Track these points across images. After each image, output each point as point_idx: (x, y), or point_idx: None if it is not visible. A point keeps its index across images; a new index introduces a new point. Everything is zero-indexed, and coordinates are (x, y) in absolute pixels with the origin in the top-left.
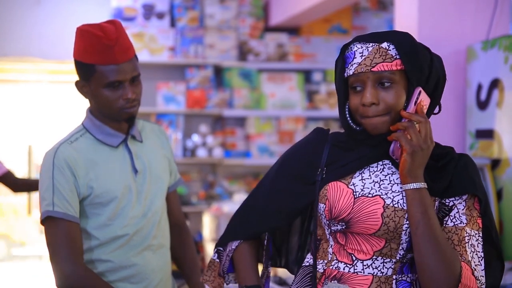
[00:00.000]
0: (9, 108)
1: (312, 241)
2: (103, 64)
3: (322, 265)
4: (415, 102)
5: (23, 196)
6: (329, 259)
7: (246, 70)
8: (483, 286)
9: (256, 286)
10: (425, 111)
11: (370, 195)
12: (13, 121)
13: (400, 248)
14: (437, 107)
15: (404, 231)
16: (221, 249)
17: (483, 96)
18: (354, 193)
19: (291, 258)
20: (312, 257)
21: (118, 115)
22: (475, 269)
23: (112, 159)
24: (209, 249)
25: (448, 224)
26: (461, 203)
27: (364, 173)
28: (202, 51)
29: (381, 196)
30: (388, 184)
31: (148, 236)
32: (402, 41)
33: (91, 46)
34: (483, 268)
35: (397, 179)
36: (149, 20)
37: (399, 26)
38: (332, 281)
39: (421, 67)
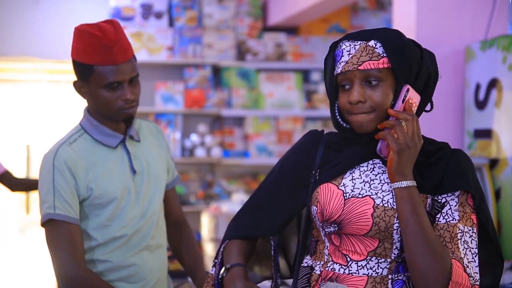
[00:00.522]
0: (7, 107)
1: (300, 243)
2: (102, 65)
3: (319, 267)
4: (403, 100)
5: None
6: (325, 260)
7: (245, 70)
8: (477, 283)
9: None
10: (414, 109)
11: (360, 196)
12: (12, 120)
13: (394, 247)
14: (429, 104)
15: (396, 230)
16: (216, 260)
17: (481, 96)
18: (345, 194)
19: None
20: (310, 258)
21: (117, 116)
22: (467, 266)
23: (110, 160)
24: (208, 248)
25: (440, 221)
26: (453, 199)
27: (354, 173)
28: (200, 51)
29: (371, 196)
30: (378, 183)
31: (147, 237)
32: (389, 39)
33: (90, 47)
34: (477, 264)
35: (387, 178)
36: (147, 19)
37: (397, 26)
38: (330, 282)
39: (409, 65)
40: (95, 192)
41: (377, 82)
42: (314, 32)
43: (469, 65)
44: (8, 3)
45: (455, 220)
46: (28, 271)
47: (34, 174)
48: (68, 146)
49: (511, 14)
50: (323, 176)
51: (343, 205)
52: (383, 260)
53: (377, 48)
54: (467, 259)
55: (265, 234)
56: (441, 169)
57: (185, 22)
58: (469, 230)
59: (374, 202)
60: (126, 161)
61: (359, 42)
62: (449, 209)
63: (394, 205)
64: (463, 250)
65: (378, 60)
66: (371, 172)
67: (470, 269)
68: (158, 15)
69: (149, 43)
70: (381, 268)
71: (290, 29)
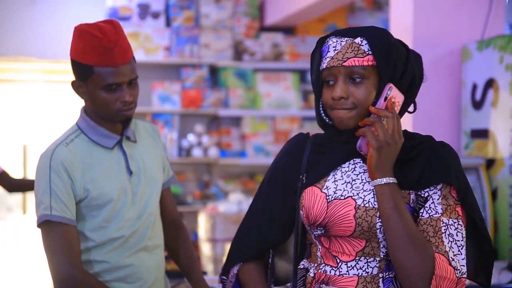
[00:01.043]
0: (4, 107)
1: (295, 247)
2: (102, 66)
3: (313, 269)
4: (385, 98)
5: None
6: (318, 262)
7: (242, 70)
8: (464, 275)
9: None
10: (397, 108)
11: (342, 197)
12: (8, 120)
13: (382, 246)
14: (413, 105)
15: (379, 229)
16: (225, 278)
17: (478, 96)
18: (327, 197)
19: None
20: (306, 260)
21: (115, 117)
22: (453, 259)
23: (107, 161)
24: (205, 248)
25: (423, 216)
26: (436, 193)
27: (336, 174)
28: (197, 51)
29: (353, 197)
30: (360, 183)
31: (144, 237)
32: (376, 37)
33: (90, 47)
34: (463, 257)
35: (368, 177)
36: (144, 19)
37: (394, 26)
38: (321, 285)
39: (394, 64)
40: (91, 194)
41: (361, 79)
42: (311, 32)
43: (466, 65)
44: (5, 3)
45: (438, 213)
46: (27, 272)
47: (31, 175)
48: (65, 146)
49: (508, 14)
50: (309, 180)
51: (326, 208)
52: (372, 259)
53: (363, 45)
54: (453, 252)
55: (273, 246)
56: (421, 164)
57: (182, 22)
58: (454, 222)
59: (356, 203)
60: (123, 162)
61: (345, 38)
62: (432, 203)
63: (375, 205)
64: (448, 243)
65: (363, 57)
66: (352, 172)
67: (456, 262)
68: (155, 15)
69: (146, 43)
70: (370, 267)
71: (287, 29)
